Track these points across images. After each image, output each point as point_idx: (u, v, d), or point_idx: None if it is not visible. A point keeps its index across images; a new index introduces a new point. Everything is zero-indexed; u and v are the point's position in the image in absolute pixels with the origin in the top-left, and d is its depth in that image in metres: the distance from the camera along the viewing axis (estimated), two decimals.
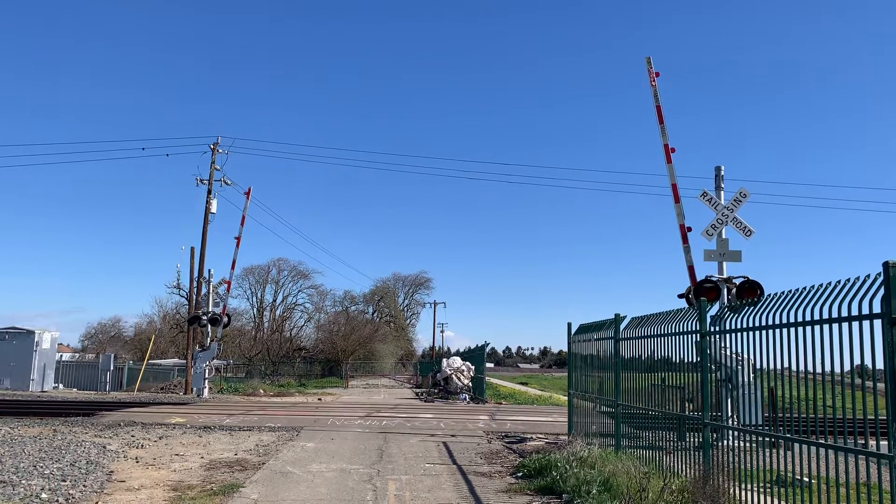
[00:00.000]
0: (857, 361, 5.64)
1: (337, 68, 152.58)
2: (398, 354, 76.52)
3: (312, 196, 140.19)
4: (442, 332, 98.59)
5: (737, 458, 7.29)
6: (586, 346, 13.20)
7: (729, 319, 7.91)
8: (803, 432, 6.20)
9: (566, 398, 15.82)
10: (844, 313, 5.69)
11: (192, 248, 36.49)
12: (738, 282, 14.21)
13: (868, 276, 5.47)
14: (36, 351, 33.70)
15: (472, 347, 42.32)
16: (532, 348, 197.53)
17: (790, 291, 6.50)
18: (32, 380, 33.42)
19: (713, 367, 9.02)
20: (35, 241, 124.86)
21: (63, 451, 11.74)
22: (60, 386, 36.48)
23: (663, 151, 15.91)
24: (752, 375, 8.47)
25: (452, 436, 15.90)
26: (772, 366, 6.78)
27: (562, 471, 9.44)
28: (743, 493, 6.97)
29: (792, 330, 6.39)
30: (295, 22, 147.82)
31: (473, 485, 9.71)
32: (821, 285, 6.06)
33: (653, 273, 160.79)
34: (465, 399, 31.66)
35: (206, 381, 32.19)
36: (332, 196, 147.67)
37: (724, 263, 14.72)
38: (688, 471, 8.31)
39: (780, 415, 6.80)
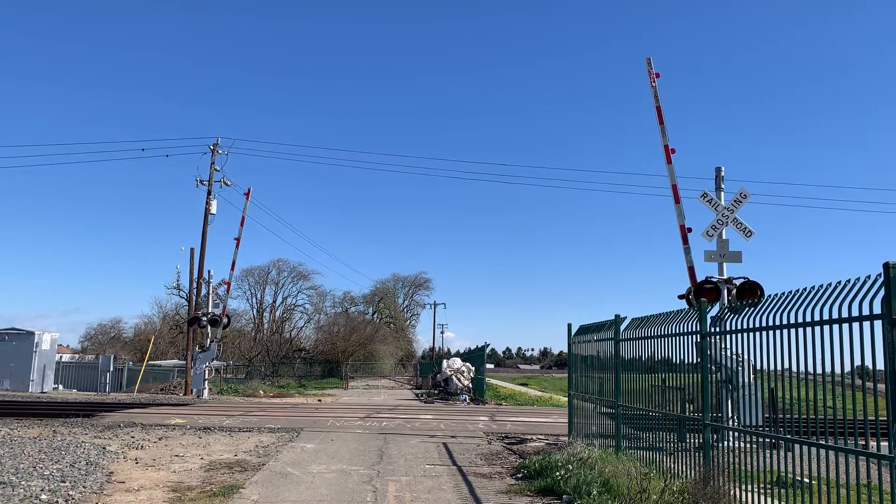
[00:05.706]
0: (857, 362, 5.64)
1: (336, 68, 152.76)
2: (398, 355, 76.50)
3: (312, 197, 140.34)
4: (442, 332, 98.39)
5: (737, 459, 7.29)
6: (586, 347, 13.19)
7: (729, 320, 7.91)
8: (804, 433, 6.19)
9: (566, 399, 15.82)
10: (845, 314, 5.69)
11: (192, 249, 36.55)
12: (738, 283, 14.23)
13: (868, 277, 5.46)
14: (36, 352, 33.66)
15: (472, 348, 42.36)
16: (532, 349, 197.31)
17: (790, 292, 6.49)
18: (32, 381, 33.39)
19: (713, 368, 9.03)
20: (35, 242, 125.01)
21: (63, 452, 11.73)
22: (60, 387, 36.44)
23: (663, 152, 15.92)
24: (752, 376, 8.48)
25: (452, 437, 15.89)
26: (772, 367, 6.78)
27: (563, 472, 9.43)
28: (743, 494, 6.97)
29: (792, 331, 6.38)
30: (295, 22, 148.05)
31: (474, 486, 9.70)
32: (821, 286, 6.05)
33: (653, 274, 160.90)
34: (465, 400, 31.64)
35: (206, 382, 32.18)
36: (332, 197, 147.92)
37: (725, 264, 14.73)
38: (688, 472, 8.30)
39: (781, 416, 6.80)
